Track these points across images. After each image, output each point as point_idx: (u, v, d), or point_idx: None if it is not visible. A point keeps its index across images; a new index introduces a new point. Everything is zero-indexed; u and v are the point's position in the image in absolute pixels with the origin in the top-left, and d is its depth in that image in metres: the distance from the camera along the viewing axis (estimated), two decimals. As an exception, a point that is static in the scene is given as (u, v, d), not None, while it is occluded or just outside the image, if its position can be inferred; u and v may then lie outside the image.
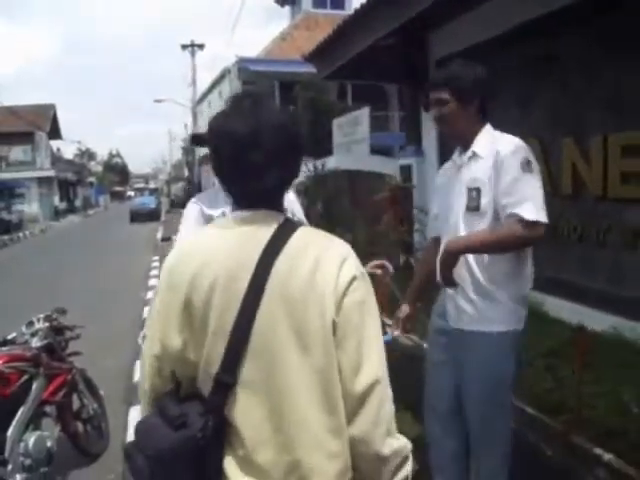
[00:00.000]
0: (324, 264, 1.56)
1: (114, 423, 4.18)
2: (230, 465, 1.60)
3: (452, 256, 2.66)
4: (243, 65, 24.98)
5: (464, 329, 2.82)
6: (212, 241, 1.68)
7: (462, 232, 2.76)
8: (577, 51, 5.02)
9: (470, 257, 2.74)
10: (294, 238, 1.60)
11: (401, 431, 1.63)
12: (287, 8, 31.15)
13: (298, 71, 19.13)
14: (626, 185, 4.67)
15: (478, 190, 2.70)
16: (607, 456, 2.76)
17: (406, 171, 8.17)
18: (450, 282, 2.67)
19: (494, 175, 2.66)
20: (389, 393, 1.58)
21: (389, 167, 8.94)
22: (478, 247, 2.71)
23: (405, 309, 3.12)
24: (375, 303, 1.62)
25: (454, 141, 2.92)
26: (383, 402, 1.57)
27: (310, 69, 9.88)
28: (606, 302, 4.73)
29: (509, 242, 2.64)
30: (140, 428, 1.65)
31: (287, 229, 1.62)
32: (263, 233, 1.61)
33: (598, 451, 2.82)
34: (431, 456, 3.18)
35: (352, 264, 1.59)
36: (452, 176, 2.89)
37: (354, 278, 1.56)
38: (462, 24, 6.19)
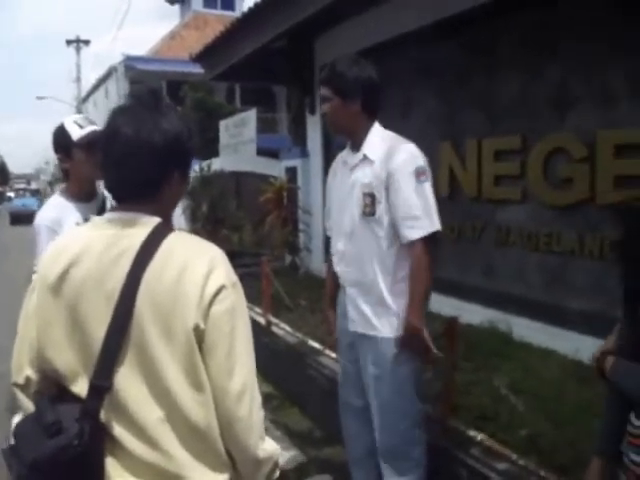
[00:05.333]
0: (191, 272, 1.57)
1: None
2: (111, 466, 1.61)
3: (417, 333, 2.72)
4: (130, 63, 24.34)
5: (364, 333, 2.89)
6: (85, 240, 1.67)
7: (359, 236, 2.82)
8: (453, 60, 5.30)
9: (375, 266, 2.80)
10: (165, 244, 1.60)
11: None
12: (177, 7, 30.59)
13: (187, 71, 18.96)
14: (498, 187, 4.98)
15: (372, 196, 2.75)
16: (480, 436, 2.97)
17: (291, 172, 8.29)
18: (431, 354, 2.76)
19: (388, 182, 2.72)
20: (259, 399, 1.66)
21: (275, 169, 9.03)
22: (422, 297, 2.77)
23: (331, 315, 3.17)
24: (246, 309, 1.66)
25: (343, 137, 2.96)
26: (254, 408, 1.65)
27: (200, 69, 9.82)
28: (481, 297, 5.03)
29: (428, 265, 2.74)
30: (18, 432, 1.64)
31: (159, 234, 1.62)
32: (135, 237, 1.61)
33: (472, 433, 3.03)
34: (348, 450, 3.29)
35: (221, 273, 1.60)
36: (344, 176, 2.93)
37: (222, 287, 1.58)
38: (347, 30, 6.37)
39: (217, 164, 10.22)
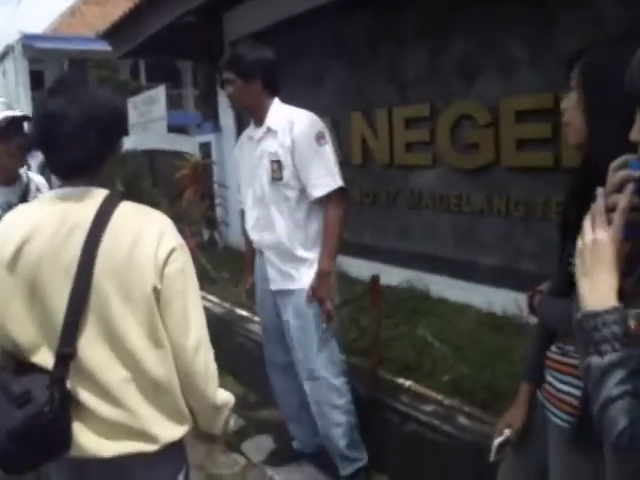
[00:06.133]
0: (144, 238, 1.70)
1: None
2: (77, 429, 1.71)
3: (327, 275, 3.00)
4: (28, 42, 23.18)
5: (284, 288, 3.13)
6: (35, 216, 1.73)
7: (270, 200, 3.07)
8: (362, 32, 5.48)
9: (287, 226, 3.06)
10: (117, 214, 1.70)
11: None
12: None
13: (89, 49, 18.35)
14: (409, 153, 5.22)
15: (279, 162, 3.02)
16: (408, 383, 3.22)
17: (205, 148, 8.32)
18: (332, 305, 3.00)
19: (292, 148, 2.99)
20: (212, 351, 1.82)
21: (188, 145, 9.01)
22: (335, 245, 3.04)
23: (250, 279, 3.41)
24: (194, 270, 1.81)
25: (249, 115, 3.25)
26: (209, 360, 1.82)
27: (102, 47, 9.59)
28: (398, 258, 5.28)
29: (338, 218, 3.03)
30: None
31: (110, 205, 1.72)
32: (86, 210, 1.70)
33: (400, 380, 3.27)
34: (282, 408, 3.52)
35: (171, 236, 1.75)
36: (251, 149, 3.18)
37: (173, 249, 1.72)
38: (256, 4, 6.43)
39: (129, 143, 10.06)
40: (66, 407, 1.68)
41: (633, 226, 1.10)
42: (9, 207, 2.76)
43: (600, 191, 1.14)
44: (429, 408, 3.01)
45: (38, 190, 3.03)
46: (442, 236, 4.99)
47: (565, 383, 1.66)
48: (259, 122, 3.12)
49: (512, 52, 4.20)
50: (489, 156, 4.41)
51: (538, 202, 4.10)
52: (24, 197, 2.94)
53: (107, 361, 1.71)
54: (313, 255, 3.06)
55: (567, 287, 1.55)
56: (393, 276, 5.05)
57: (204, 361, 1.79)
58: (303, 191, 3.02)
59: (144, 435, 1.73)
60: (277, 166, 3.02)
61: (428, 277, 4.99)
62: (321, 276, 3.01)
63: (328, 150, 3.04)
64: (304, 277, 3.06)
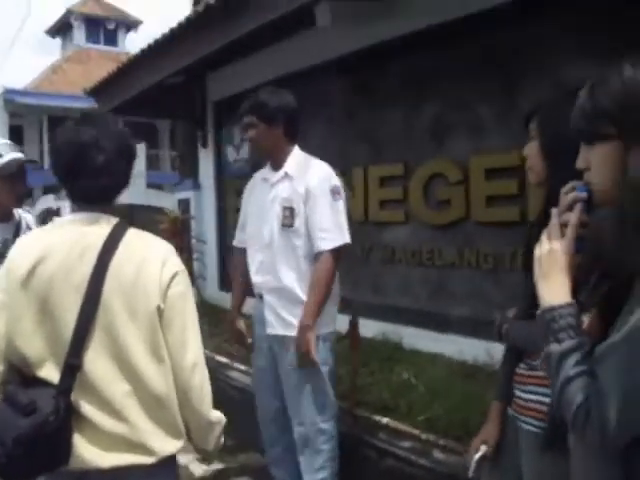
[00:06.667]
0: (149, 261, 1.85)
1: None
2: (77, 440, 1.79)
3: (307, 329, 2.94)
4: (10, 96, 23.34)
5: (282, 334, 3.12)
6: (49, 239, 1.87)
7: (277, 247, 3.07)
8: (340, 95, 5.79)
9: (292, 273, 3.06)
10: (125, 239, 1.85)
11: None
12: (58, 40, 29.73)
13: (69, 106, 18.55)
14: (383, 210, 5.46)
15: (292, 209, 3.03)
16: (385, 420, 3.36)
17: (184, 204, 8.53)
18: (311, 361, 2.97)
19: (305, 197, 3.01)
20: (207, 372, 1.94)
21: (167, 201, 9.21)
22: (321, 300, 3.00)
23: (240, 323, 3.39)
24: (192, 293, 1.95)
25: (266, 159, 3.28)
26: (205, 379, 1.93)
27: (83, 104, 9.83)
28: (373, 311, 5.43)
29: (329, 276, 3.01)
30: None
31: (119, 231, 1.87)
32: (98, 234, 1.84)
33: (377, 418, 3.41)
34: (267, 452, 3.48)
35: (174, 262, 1.91)
36: (264, 192, 3.20)
37: (176, 273, 1.87)
38: (239, 68, 6.75)
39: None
40: (68, 419, 1.76)
41: (582, 240, 1.33)
42: (5, 243, 2.90)
43: (554, 211, 1.37)
44: (406, 444, 3.15)
45: (28, 227, 3.18)
46: (415, 289, 5.18)
47: (533, 393, 1.85)
48: (276, 166, 3.16)
49: (480, 115, 4.50)
50: (460, 212, 4.65)
51: (506, 254, 4.33)
52: (17, 233, 3.06)
53: (111, 375, 1.81)
54: None
55: (533, 310, 1.75)
56: (368, 328, 5.15)
57: (200, 379, 1.93)
58: (310, 240, 3.03)
59: (142, 448, 1.82)
60: (289, 212, 3.03)
61: (401, 329, 5.13)
62: (302, 329, 2.98)
63: (341, 206, 3.08)
64: None
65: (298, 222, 3.03)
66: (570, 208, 1.34)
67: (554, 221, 1.35)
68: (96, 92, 7.45)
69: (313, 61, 5.80)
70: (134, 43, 30.23)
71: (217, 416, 2.02)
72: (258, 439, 3.54)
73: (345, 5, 4.30)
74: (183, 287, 1.89)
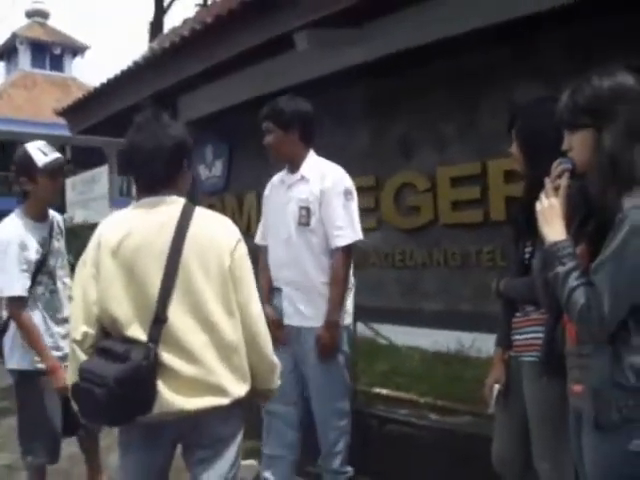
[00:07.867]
0: (217, 231, 2.29)
1: None
2: (161, 387, 2.08)
3: (335, 327, 3.18)
4: (-48, 123, 22.79)
5: (301, 326, 3.35)
6: (132, 217, 2.30)
7: (295, 243, 3.32)
8: (315, 115, 6.21)
9: (308, 263, 3.30)
10: (196, 212, 2.28)
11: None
12: (2, 64, 29.17)
13: (18, 130, 18.35)
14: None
15: (308, 209, 3.29)
16: (385, 391, 3.81)
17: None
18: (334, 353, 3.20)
19: (320, 198, 3.27)
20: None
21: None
22: (342, 295, 3.23)
23: (270, 310, 3.46)
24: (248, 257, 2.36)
25: (283, 163, 3.56)
26: (266, 326, 2.33)
27: (30, 129, 9.97)
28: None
29: (348, 271, 3.29)
30: (86, 368, 2.04)
31: (190, 208, 2.29)
32: (169, 212, 2.26)
33: (376, 390, 3.86)
34: (265, 448, 3.57)
35: (235, 231, 2.35)
36: (280, 193, 3.49)
37: (239, 239, 2.31)
38: (210, 91, 7.10)
39: (79, 217, 10.39)
40: (156, 367, 2.05)
41: (569, 197, 1.90)
42: (44, 241, 3.23)
43: (547, 179, 1.93)
44: (404, 411, 3.59)
45: (59, 225, 3.52)
46: (388, 289, 5.62)
47: (530, 333, 2.38)
48: (293, 170, 3.41)
49: (445, 131, 5.03)
50: (428, 216, 5.13)
51: (472, 252, 4.83)
52: (51, 232, 3.37)
53: (191, 326, 2.15)
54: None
55: (524, 270, 2.30)
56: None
57: (263, 325, 2.31)
58: (326, 239, 3.29)
59: (219, 389, 2.14)
60: (305, 212, 3.27)
61: (378, 327, 5.58)
62: (329, 325, 3.19)
63: (354, 206, 3.37)
64: (321, 316, 3.29)
65: (314, 221, 3.31)
66: (559, 176, 1.91)
67: (549, 185, 1.92)
68: (67, 112, 7.68)
69: (284, 84, 6.21)
70: (80, 68, 29.86)
71: (277, 360, 2.39)
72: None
73: (323, 33, 4.74)
74: (245, 250, 2.32)
